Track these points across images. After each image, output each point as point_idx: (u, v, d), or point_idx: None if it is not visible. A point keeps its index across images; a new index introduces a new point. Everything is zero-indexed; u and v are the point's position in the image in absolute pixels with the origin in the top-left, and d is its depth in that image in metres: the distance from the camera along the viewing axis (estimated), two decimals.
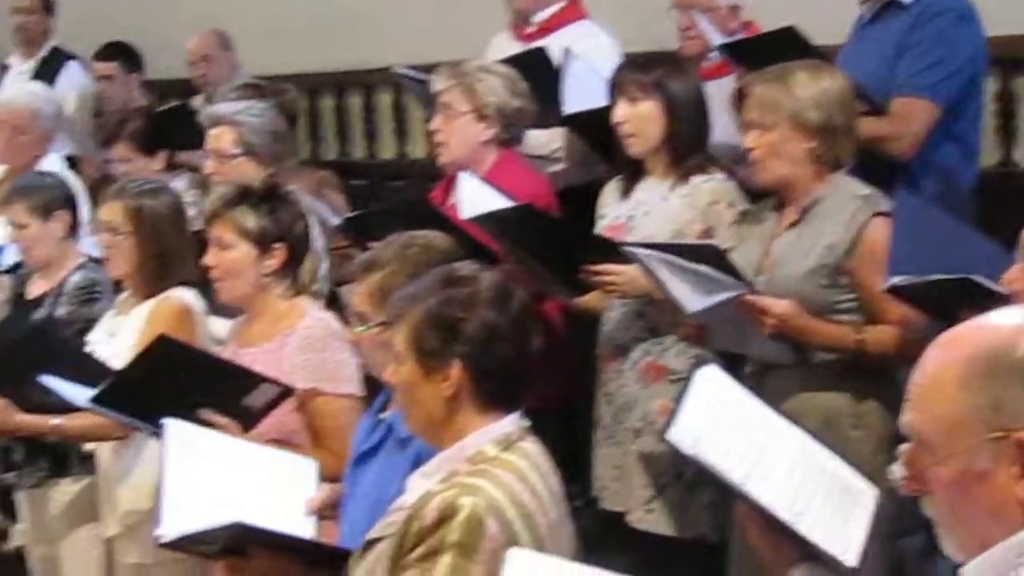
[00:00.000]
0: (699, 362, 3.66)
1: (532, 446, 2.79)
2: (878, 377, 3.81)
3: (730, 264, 3.72)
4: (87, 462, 4.56)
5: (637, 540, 4.37)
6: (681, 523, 4.28)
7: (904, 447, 1.90)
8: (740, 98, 4.00)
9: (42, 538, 4.96)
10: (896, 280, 3.41)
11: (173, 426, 3.45)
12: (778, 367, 3.86)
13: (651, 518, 4.30)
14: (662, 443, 4.08)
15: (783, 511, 2.56)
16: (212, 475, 3.40)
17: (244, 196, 3.99)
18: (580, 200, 4.84)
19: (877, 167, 4.13)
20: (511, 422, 2.78)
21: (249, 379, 3.76)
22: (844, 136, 3.83)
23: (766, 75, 3.87)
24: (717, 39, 4.67)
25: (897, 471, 1.91)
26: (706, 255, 3.72)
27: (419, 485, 2.78)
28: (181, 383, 3.75)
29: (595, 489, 4.47)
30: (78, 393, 3.93)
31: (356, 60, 7.63)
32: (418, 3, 7.37)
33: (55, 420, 4.25)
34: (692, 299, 3.70)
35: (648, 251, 3.77)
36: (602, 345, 4.43)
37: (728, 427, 2.77)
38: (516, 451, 2.74)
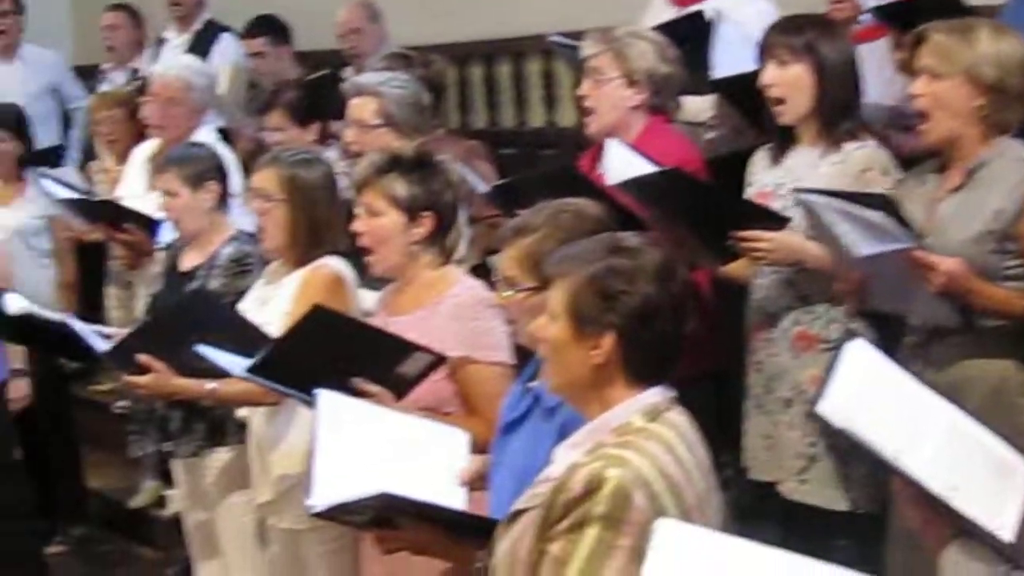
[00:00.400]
0: (848, 335, 3.63)
1: (679, 416, 2.76)
2: None
3: (901, 214, 3.67)
4: (241, 431, 4.63)
5: (790, 511, 4.31)
6: (835, 495, 4.21)
7: None
8: (916, 43, 3.84)
9: (197, 505, 5.06)
10: None
11: (325, 396, 3.49)
12: (944, 335, 3.79)
13: (804, 488, 4.25)
14: (814, 419, 4.12)
15: (937, 486, 2.53)
16: (363, 445, 3.43)
17: (395, 164, 4.00)
18: (730, 169, 4.75)
19: None
20: (658, 392, 2.75)
21: (403, 348, 3.77)
22: (1016, 100, 3.74)
23: (948, 24, 3.78)
24: (871, 0, 4.54)
25: None
26: (878, 203, 3.67)
27: (566, 456, 2.76)
28: (335, 352, 3.78)
29: (746, 459, 4.43)
30: (233, 362, 3.99)
31: (505, 28, 7.61)
32: None
33: (211, 384, 4.31)
34: (862, 244, 3.62)
35: (817, 196, 3.73)
36: (752, 314, 4.39)
37: (879, 401, 2.73)
38: (663, 422, 2.71)
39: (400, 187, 3.95)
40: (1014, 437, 3.60)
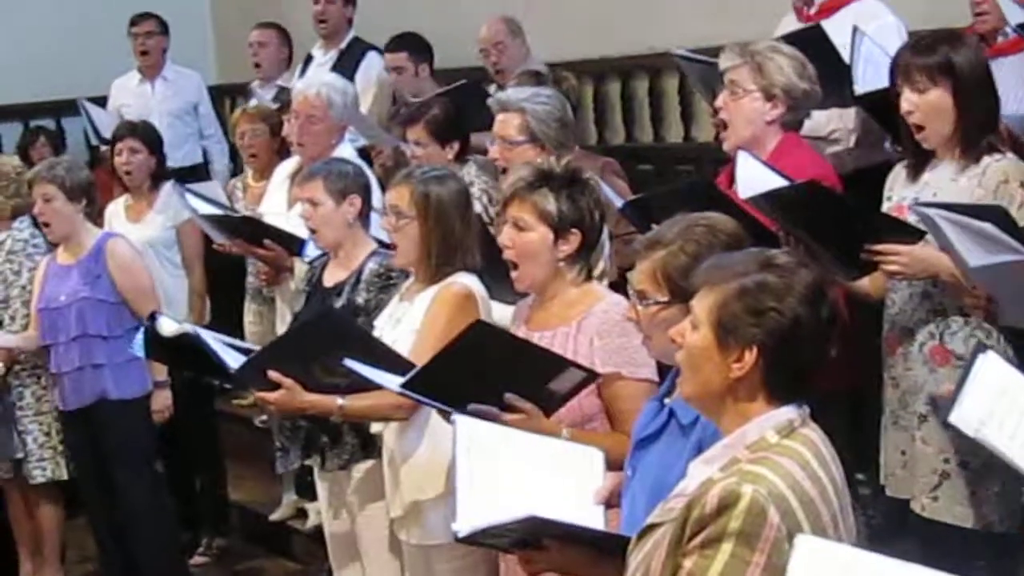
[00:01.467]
0: (980, 347, 3.62)
1: (814, 433, 2.74)
2: None
3: (1014, 225, 3.62)
4: None
5: (928, 530, 4.24)
6: (966, 512, 4.15)
7: None
8: None
9: (338, 514, 5.12)
10: None
11: (462, 421, 3.51)
12: None
13: (936, 506, 4.18)
14: (948, 429, 4.01)
15: None
16: (502, 468, 3.44)
17: (546, 179, 4.00)
18: (868, 183, 4.76)
19: None
20: (793, 408, 2.73)
21: (558, 364, 3.77)
22: None
23: None
24: (1017, 16, 4.51)
25: None
26: (991, 215, 3.62)
27: (700, 472, 2.75)
28: (490, 368, 3.79)
29: (883, 476, 4.39)
30: (385, 377, 4.01)
31: (642, 46, 7.62)
32: None
33: (340, 400, 4.36)
34: (972, 256, 3.60)
35: (934, 209, 3.71)
36: (888, 328, 4.34)
37: (1010, 411, 2.73)
38: (797, 438, 2.69)
39: (550, 203, 3.94)
40: None
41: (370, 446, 4.83)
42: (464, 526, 3.24)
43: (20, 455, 6.51)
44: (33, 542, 6.84)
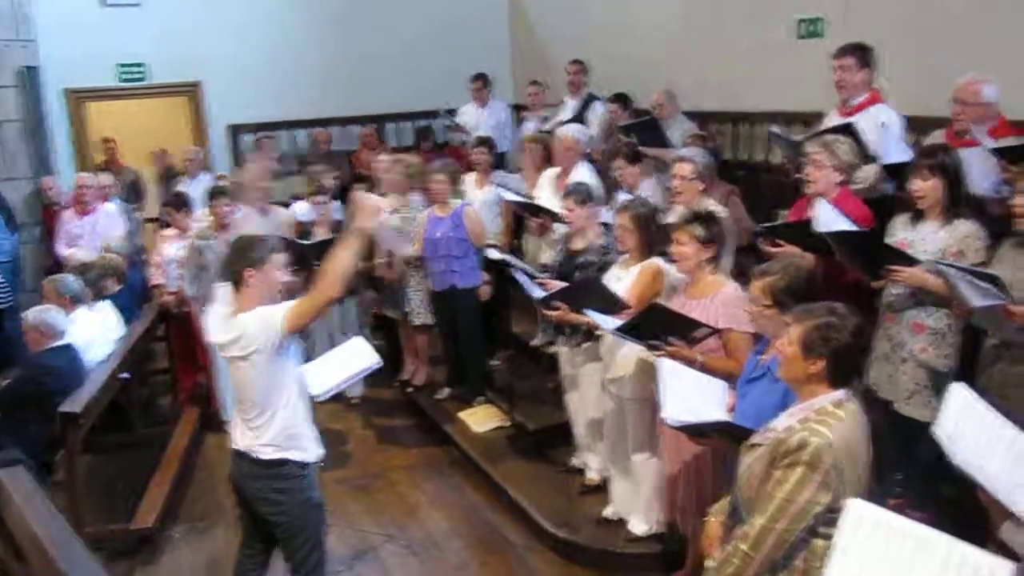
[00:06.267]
0: (950, 376, 3.50)
1: (854, 406, 2.60)
2: None
3: (1002, 283, 3.31)
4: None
5: (903, 420, 3.96)
6: (927, 412, 3.81)
7: None
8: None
9: (571, 364, 5.01)
10: None
11: (663, 363, 3.42)
12: (1014, 345, 3.46)
13: (908, 408, 3.93)
14: (921, 368, 3.81)
15: (1002, 490, 2.25)
16: (681, 386, 3.32)
17: (696, 217, 3.87)
18: (874, 203, 4.41)
19: None
20: (844, 392, 2.62)
21: (695, 324, 3.65)
22: None
23: None
24: (988, 143, 4.06)
25: None
26: (989, 277, 3.33)
27: (785, 420, 2.65)
28: (661, 325, 3.67)
29: (872, 384, 4.04)
30: (606, 320, 3.86)
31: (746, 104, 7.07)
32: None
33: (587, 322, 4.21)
34: (975, 299, 3.32)
35: (953, 268, 3.42)
36: (884, 309, 4.01)
37: (970, 425, 2.45)
38: (844, 408, 2.57)
39: (698, 231, 3.80)
40: None
41: (589, 335, 4.65)
42: (671, 417, 3.18)
43: (408, 310, 6.54)
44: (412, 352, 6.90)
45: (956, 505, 3.86)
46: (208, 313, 3.62)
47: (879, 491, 4.20)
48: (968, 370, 3.77)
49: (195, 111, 9.76)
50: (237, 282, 3.41)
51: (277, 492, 3.48)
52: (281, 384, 3.41)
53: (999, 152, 3.89)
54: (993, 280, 3.28)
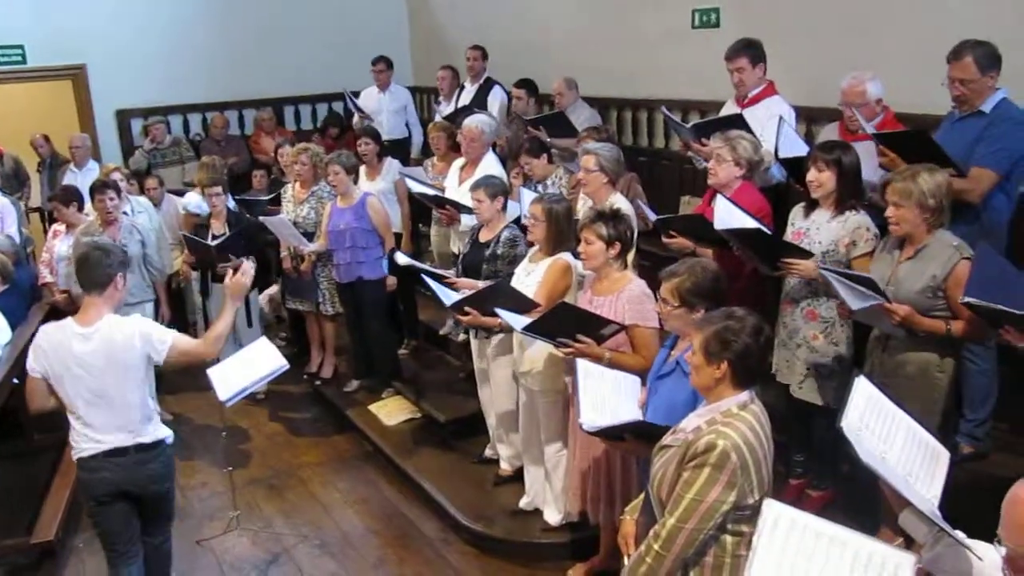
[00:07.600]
0: (840, 363, 3.69)
1: (757, 407, 2.68)
2: (953, 345, 3.54)
3: (877, 286, 3.47)
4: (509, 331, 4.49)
5: (797, 402, 4.17)
6: (817, 396, 4.09)
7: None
8: (884, 187, 3.67)
9: (480, 358, 5.04)
10: (968, 299, 3.12)
11: (581, 364, 3.46)
12: (893, 337, 3.63)
13: (801, 391, 4.12)
14: (814, 354, 3.99)
15: (901, 485, 2.38)
16: (597, 387, 3.38)
17: (600, 216, 3.88)
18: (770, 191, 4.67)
19: (959, 206, 3.76)
20: (747, 393, 2.68)
21: (603, 322, 3.69)
22: (943, 211, 3.51)
23: (902, 174, 3.55)
24: (870, 129, 4.22)
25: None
26: (866, 281, 3.48)
27: (693, 421, 2.71)
28: (569, 322, 3.70)
29: (774, 370, 4.21)
30: (516, 319, 3.88)
31: (643, 92, 7.18)
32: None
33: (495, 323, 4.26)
34: (854, 302, 3.47)
35: (833, 273, 3.55)
36: (784, 296, 4.18)
37: (871, 417, 2.58)
38: (748, 411, 2.64)
39: (603, 229, 3.84)
40: (929, 404, 3.47)
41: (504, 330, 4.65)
42: (587, 423, 3.20)
43: (319, 300, 6.49)
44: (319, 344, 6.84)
45: (852, 481, 4.11)
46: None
47: (783, 473, 4.44)
48: (858, 357, 3.98)
49: (80, 95, 9.30)
50: (105, 285, 3.68)
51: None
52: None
53: (878, 138, 4.06)
54: (869, 283, 3.46)
